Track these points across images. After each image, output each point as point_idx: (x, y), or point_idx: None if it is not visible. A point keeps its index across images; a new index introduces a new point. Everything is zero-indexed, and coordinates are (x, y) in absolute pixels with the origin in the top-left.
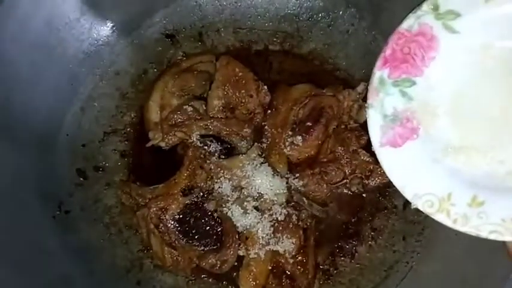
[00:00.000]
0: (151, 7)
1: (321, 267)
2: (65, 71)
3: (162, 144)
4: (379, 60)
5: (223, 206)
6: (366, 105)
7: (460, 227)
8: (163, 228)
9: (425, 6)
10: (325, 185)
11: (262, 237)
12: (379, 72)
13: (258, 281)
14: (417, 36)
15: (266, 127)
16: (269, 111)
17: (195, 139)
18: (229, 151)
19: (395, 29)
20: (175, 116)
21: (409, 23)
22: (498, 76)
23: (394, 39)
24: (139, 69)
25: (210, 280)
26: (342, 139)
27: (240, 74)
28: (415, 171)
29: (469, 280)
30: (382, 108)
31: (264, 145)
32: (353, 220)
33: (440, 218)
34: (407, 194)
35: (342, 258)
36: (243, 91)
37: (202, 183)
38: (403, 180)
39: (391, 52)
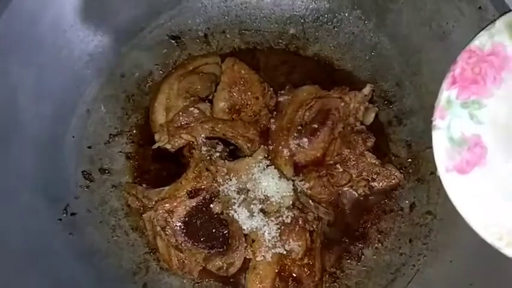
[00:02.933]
0: (157, 9)
1: (327, 270)
2: (71, 73)
3: (168, 146)
4: (447, 78)
5: (230, 208)
6: (432, 125)
7: None
8: (169, 230)
9: (499, 24)
10: (331, 188)
11: (269, 240)
12: (447, 92)
13: (264, 284)
14: (490, 56)
15: (272, 129)
16: (275, 113)
17: (200, 141)
18: (235, 153)
19: (464, 46)
20: (181, 118)
21: (482, 40)
22: None
23: (465, 57)
24: (145, 71)
25: (217, 283)
26: (349, 141)
27: (246, 75)
28: (482, 200)
29: (476, 284)
30: (449, 130)
31: (270, 147)
32: (359, 223)
33: (509, 252)
34: (474, 224)
35: (349, 261)
36: (248, 93)
37: (209, 186)
38: (469, 209)
39: (461, 71)
